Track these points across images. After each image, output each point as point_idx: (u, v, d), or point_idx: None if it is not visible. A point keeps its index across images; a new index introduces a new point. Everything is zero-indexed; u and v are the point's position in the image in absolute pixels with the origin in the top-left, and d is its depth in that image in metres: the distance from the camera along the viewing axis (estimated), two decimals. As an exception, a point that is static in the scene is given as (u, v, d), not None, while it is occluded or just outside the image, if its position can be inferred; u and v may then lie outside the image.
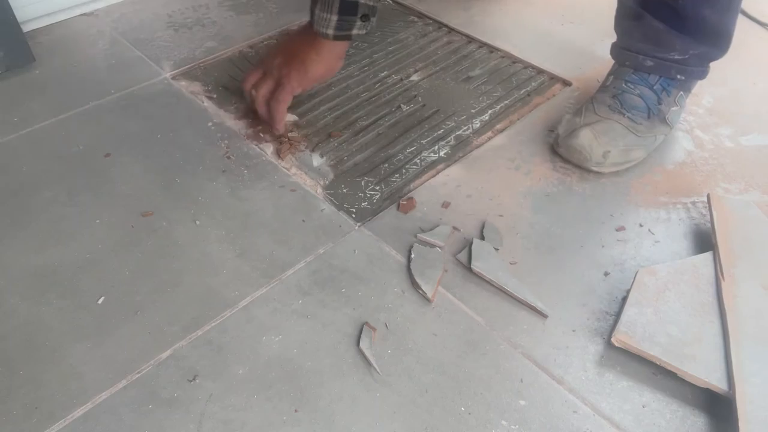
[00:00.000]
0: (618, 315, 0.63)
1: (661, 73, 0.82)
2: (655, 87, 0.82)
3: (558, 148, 0.83)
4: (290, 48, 0.82)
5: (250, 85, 0.84)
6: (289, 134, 0.85)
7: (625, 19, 0.85)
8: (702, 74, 0.84)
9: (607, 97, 0.82)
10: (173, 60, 1.00)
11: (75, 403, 0.56)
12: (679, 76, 0.82)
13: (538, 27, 1.13)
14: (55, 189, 0.77)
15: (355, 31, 0.77)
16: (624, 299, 0.65)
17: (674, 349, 0.58)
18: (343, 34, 0.77)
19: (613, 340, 0.59)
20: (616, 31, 0.87)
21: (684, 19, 0.77)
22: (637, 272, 0.65)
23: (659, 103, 0.81)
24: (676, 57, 0.80)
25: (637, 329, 0.60)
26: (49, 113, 0.89)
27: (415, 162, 0.83)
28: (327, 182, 0.79)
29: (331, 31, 0.76)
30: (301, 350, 0.61)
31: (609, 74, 0.87)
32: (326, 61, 0.81)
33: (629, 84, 0.82)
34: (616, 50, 0.86)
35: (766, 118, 0.92)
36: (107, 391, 0.57)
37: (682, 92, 0.84)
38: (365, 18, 0.76)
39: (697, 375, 0.56)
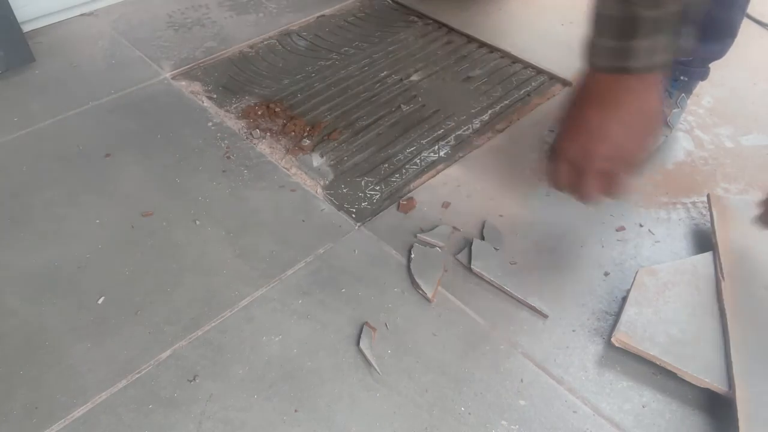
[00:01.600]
0: (618, 315, 0.63)
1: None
2: None
3: (559, 149, 0.82)
4: (610, 130, 0.54)
5: (564, 183, 0.60)
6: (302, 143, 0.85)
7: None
8: (704, 75, 0.84)
9: (609, 97, 0.81)
10: (173, 60, 1.00)
11: (75, 403, 0.56)
12: (682, 77, 0.82)
13: (538, 27, 1.13)
14: (55, 189, 0.77)
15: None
16: (624, 299, 0.65)
17: (674, 349, 0.58)
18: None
19: (613, 340, 0.59)
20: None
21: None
22: (637, 272, 0.65)
23: (661, 105, 0.81)
24: (680, 59, 0.80)
25: (637, 329, 0.60)
26: (49, 113, 0.88)
27: (415, 162, 0.83)
28: (327, 182, 0.79)
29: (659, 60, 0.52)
30: (301, 350, 0.61)
31: (610, 74, 0.86)
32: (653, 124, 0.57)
33: (630, 84, 0.81)
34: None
35: (766, 118, 0.92)
36: (107, 391, 0.57)
37: (683, 94, 0.84)
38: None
39: (697, 375, 0.56)
